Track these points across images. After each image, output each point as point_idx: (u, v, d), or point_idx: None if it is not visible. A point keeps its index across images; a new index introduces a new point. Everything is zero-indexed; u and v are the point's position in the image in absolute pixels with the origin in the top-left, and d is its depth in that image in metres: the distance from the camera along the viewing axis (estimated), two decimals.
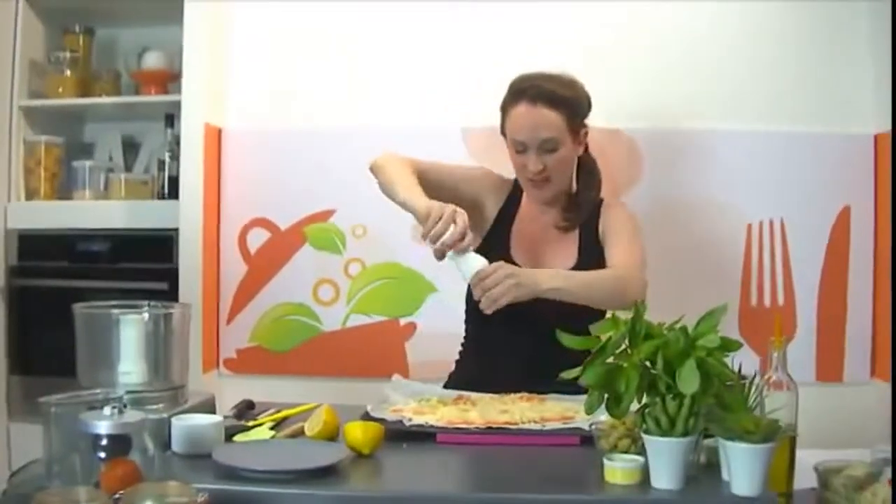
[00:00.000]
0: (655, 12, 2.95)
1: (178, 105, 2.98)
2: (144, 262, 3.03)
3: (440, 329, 2.97)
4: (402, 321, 3.05)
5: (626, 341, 1.52)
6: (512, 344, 2.21)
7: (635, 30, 2.95)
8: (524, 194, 2.36)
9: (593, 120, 2.88)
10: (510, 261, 2.16)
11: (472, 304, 2.18)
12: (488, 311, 1.99)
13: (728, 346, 1.49)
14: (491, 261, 2.05)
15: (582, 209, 2.31)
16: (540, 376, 1.99)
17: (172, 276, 2.93)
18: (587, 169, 2.37)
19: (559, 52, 2.88)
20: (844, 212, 2.88)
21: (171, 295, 2.85)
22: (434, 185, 2.22)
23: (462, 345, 2.40)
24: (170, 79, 3.16)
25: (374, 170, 2.26)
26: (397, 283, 3.05)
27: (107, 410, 1.43)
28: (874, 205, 2.86)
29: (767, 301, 2.91)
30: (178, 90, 3.01)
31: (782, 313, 2.87)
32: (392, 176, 2.19)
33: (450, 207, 1.99)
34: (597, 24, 2.96)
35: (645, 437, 1.49)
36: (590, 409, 1.53)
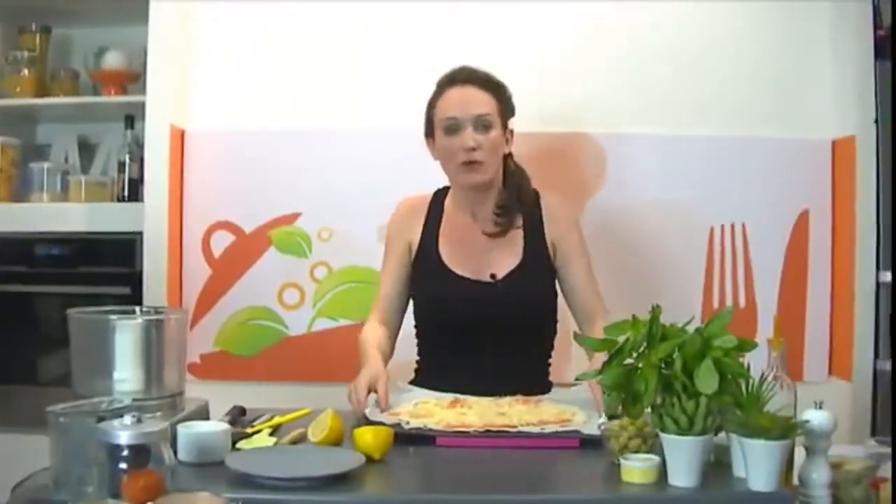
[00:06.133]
0: (618, 18, 2.98)
1: (138, 106, 2.91)
2: (106, 266, 2.95)
3: (406, 332, 2.96)
4: None
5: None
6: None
7: (600, 35, 2.97)
8: (447, 198, 2.35)
9: (557, 123, 2.94)
10: (444, 268, 2.25)
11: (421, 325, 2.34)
12: None
13: (743, 346, 1.52)
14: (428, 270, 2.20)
15: (512, 215, 2.28)
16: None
17: (135, 280, 2.86)
18: (515, 177, 2.33)
19: (528, 55, 2.91)
20: (803, 215, 2.95)
21: (135, 299, 2.78)
22: (401, 279, 2.35)
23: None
24: (129, 79, 3.09)
25: None
26: (364, 287, 3.01)
27: (126, 420, 1.39)
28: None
29: (729, 303, 2.96)
30: (139, 91, 2.95)
31: (744, 315, 2.93)
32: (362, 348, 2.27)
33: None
34: (563, 29, 2.97)
35: (663, 436, 1.52)
36: (609, 410, 1.55)
